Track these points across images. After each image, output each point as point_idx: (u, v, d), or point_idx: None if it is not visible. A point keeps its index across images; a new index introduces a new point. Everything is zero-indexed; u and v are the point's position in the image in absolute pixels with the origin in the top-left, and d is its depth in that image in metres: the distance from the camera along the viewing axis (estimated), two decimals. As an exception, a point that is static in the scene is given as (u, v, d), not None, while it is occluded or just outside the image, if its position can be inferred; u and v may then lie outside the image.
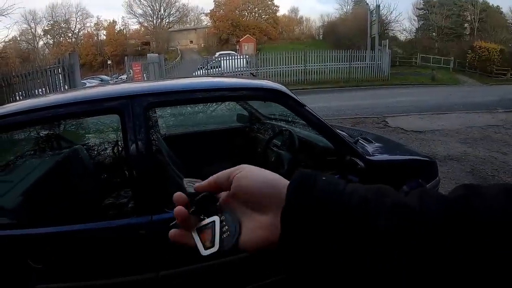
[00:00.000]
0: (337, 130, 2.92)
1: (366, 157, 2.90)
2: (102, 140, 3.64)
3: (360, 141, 3.27)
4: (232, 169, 0.62)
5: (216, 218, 0.61)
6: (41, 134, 3.16)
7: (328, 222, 0.51)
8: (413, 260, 0.46)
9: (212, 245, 0.59)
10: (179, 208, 0.60)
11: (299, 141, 3.14)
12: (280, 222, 0.54)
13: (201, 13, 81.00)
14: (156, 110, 3.43)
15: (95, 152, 3.54)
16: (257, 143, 4.06)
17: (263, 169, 0.62)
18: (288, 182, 0.57)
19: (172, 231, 0.62)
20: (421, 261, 0.45)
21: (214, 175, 0.62)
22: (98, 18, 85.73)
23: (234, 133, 4.44)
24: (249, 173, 0.60)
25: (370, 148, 3.30)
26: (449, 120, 10.65)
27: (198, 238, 0.60)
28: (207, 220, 0.61)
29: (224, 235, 0.59)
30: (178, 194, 0.62)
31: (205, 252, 0.59)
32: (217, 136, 4.42)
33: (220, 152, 3.97)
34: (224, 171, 0.62)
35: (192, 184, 0.65)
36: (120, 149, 3.17)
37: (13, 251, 2.24)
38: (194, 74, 24.08)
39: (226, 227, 0.60)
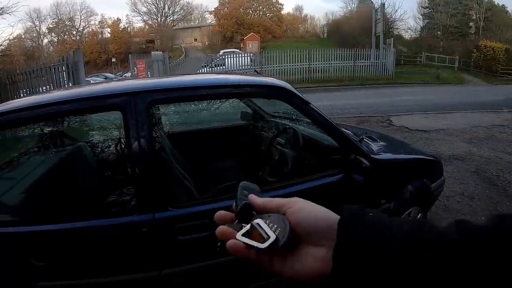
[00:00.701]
0: (342, 129, 2.90)
1: (371, 156, 2.88)
2: (105, 137, 3.62)
3: (365, 139, 3.25)
4: (283, 201, 0.65)
5: (258, 221, 0.63)
6: (44, 131, 3.15)
7: (376, 257, 0.54)
8: None
9: (268, 238, 0.60)
10: (221, 228, 0.67)
11: (303, 139, 3.12)
12: (332, 257, 0.57)
13: (205, 11, 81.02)
14: (160, 107, 3.42)
15: (98, 149, 3.53)
16: (261, 141, 4.05)
17: (314, 204, 0.66)
18: (339, 217, 0.61)
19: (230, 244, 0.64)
20: None
21: (262, 202, 0.66)
22: (102, 16, 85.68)
23: (238, 131, 4.43)
24: (303, 208, 0.63)
25: (375, 146, 3.29)
26: (454, 120, 10.62)
27: (248, 239, 0.62)
28: (248, 226, 0.64)
29: (276, 232, 0.61)
30: (220, 214, 0.70)
31: (264, 245, 0.60)
32: (221, 134, 4.41)
33: (223, 150, 3.96)
34: (273, 200, 0.66)
35: (246, 193, 0.69)
36: (123, 146, 3.16)
37: (16, 248, 2.24)
38: (198, 72, 24.08)
39: (275, 226, 0.62)
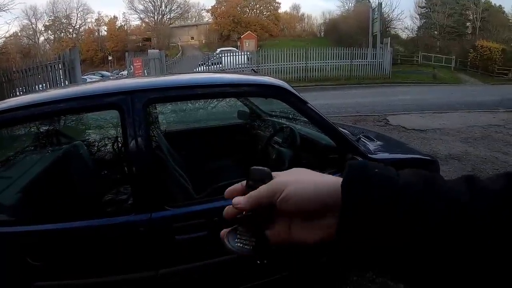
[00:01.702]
0: (339, 128, 2.90)
1: (368, 155, 2.88)
2: (101, 136, 3.62)
3: (362, 139, 3.25)
4: (270, 188, 0.61)
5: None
6: (41, 130, 3.14)
7: (383, 222, 0.52)
8: (464, 255, 0.47)
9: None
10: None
11: (301, 139, 3.12)
12: (337, 224, 0.55)
13: (202, 9, 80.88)
14: (156, 106, 3.41)
15: (95, 148, 3.52)
16: (258, 140, 4.05)
17: (307, 175, 0.63)
18: (338, 181, 0.57)
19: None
20: (471, 256, 0.47)
21: (253, 197, 0.62)
22: (99, 14, 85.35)
23: (235, 130, 4.43)
24: (294, 192, 0.59)
25: (371, 146, 3.29)
26: (450, 119, 10.64)
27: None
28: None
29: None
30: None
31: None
32: (218, 133, 4.40)
33: (220, 149, 3.95)
34: (259, 193, 0.61)
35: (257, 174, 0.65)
36: (120, 145, 3.15)
37: (12, 248, 2.23)
38: (195, 70, 24.06)
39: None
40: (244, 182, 0.66)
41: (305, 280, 2.88)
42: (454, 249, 0.47)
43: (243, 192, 0.64)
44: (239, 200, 0.62)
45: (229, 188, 0.67)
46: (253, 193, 0.62)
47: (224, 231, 0.65)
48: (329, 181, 0.59)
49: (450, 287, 0.49)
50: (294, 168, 0.66)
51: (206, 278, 2.49)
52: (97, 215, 2.43)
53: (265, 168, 0.64)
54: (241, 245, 0.62)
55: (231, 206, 0.64)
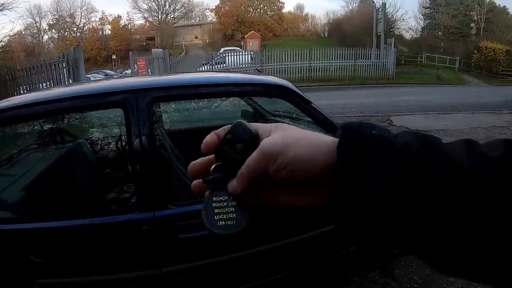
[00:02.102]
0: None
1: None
2: (105, 135, 3.63)
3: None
4: (264, 156, 0.53)
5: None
6: (45, 128, 3.15)
7: (381, 191, 0.47)
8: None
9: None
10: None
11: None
12: (334, 199, 0.50)
13: (206, 9, 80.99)
14: (160, 105, 3.42)
15: (99, 147, 3.53)
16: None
17: (294, 132, 0.55)
18: (331, 140, 0.53)
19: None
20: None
21: (244, 174, 0.54)
22: (103, 13, 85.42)
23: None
24: (294, 157, 0.52)
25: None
26: (454, 120, 10.61)
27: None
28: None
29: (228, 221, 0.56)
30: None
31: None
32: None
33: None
34: (251, 163, 0.54)
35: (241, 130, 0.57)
36: (124, 143, 3.16)
37: (16, 245, 2.23)
38: (198, 69, 24.08)
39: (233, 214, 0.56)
40: (217, 134, 0.59)
41: (306, 280, 2.88)
42: (459, 217, 0.45)
43: (215, 146, 0.58)
44: (234, 185, 0.56)
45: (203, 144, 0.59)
46: (243, 169, 0.55)
47: (196, 185, 0.59)
48: (325, 143, 0.53)
49: (459, 256, 0.47)
50: (277, 124, 0.59)
51: (209, 276, 2.49)
52: (100, 213, 2.44)
53: (253, 130, 0.56)
54: (223, 222, 0.56)
55: (195, 161, 0.59)
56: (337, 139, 0.51)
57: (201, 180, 0.58)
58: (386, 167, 0.48)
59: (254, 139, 0.55)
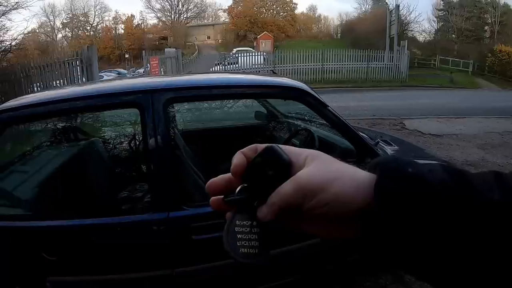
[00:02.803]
0: (359, 132, 2.88)
1: (386, 160, 2.85)
2: (120, 134, 3.64)
3: (380, 143, 3.22)
4: (301, 192, 0.51)
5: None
6: (60, 126, 3.17)
7: (418, 225, 0.47)
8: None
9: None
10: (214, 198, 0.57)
11: (318, 141, 3.10)
12: (365, 229, 0.50)
13: (219, 9, 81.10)
14: (175, 105, 3.42)
15: (113, 146, 3.55)
16: (275, 141, 4.03)
17: (332, 166, 0.54)
18: (368, 177, 0.51)
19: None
20: None
21: (276, 204, 0.52)
22: (116, 12, 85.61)
23: (252, 131, 4.41)
24: (334, 196, 0.50)
25: (389, 150, 3.26)
26: (467, 125, 10.51)
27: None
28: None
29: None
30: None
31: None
32: (234, 133, 4.40)
33: (236, 149, 3.94)
34: (285, 195, 0.52)
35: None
36: (138, 143, 3.17)
37: (28, 242, 2.25)
38: (211, 69, 24.13)
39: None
40: (245, 154, 0.57)
41: (316, 286, 2.87)
42: (487, 249, 0.45)
43: (243, 168, 0.56)
44: (264, 213, 0.54)
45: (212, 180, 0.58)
46: (275, 199, 0.53)
47: (215, 202, 0.58)
48: (363, 181, 0.51)
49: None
50: (312, 151, 0.57)
51: (221, 278, 2.49)
52: (114, 213, 2.45)
53: (286, 157, 0.54)
54: (246, 250, 0.54)
55: (215, 179, 0.58)
56: (373, 176, 0.51)
57: (221, 197, 0.57)
58: (424, 210, 0.47)
59: (287, 167, 0.54)
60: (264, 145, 0.56)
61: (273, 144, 0.55)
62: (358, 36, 51.54)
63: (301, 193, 0.51)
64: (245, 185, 0.56)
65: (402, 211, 0.48)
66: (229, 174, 0.57)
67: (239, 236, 0.55)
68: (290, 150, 0.56)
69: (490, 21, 57.81)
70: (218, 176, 0.58)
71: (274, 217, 0.53)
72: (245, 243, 0.54)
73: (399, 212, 0.48)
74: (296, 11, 77.55)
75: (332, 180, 0.51)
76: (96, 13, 75.08)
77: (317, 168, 0.53)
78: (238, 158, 0.57)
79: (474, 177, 0.50)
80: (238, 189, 0.56)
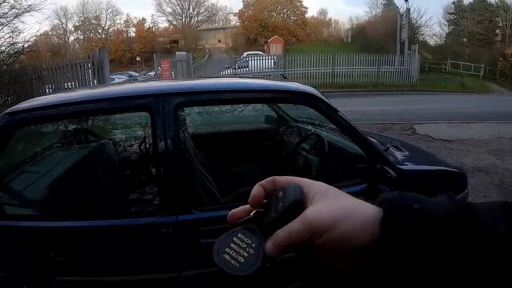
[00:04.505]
0: (369, 137, 2.87)
1: (397, 166, 2.84)
2: (130, 137, 3.66)
3: (390, 148, 3.21)
4: (310, 230, 0.53)
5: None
6: (72, 128, 3.20)
7: (423, 259, 0.49)
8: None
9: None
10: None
11: (329, 146, 3.09)
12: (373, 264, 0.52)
13: (229, 13, 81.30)
14: (185, 109, 3.44)
15: (123, 149, 3.57)
16: (285, 145, 4.03)
17: (341, 202, 0.55)
18: (375, 212, 0.53)
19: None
20: None
21: (284, 240, 0.54)
22: (128, 16, 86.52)
23: (262, 135, 4.42)
24: (342, 234, 0.52)
25: (400, 156, 3.25)
26: (479, 130, 10.42)
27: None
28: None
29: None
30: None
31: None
32: (244, 137, 4.40)
33: (246, 153, 3.95)
34: (294, 232, 0.53)
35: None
36: (149, 147, 3.18)
37: (38, 242, 2.27)
38: (221, 73, 24.18)
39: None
40: (263, 186, 0.59)
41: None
42: (492, 280, 0.47)
43: (262, 199, 0.59)
44: (269, 247, 0.54)
45: (233, 211, 0.60)
46: (282, 234, 0.54)
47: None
48: (370, 217, 0.53)
49: None
50: (320, 186, 0.58)
51: (228, 283, 2.48)
52: (123, 215, 2.47)
53: (298, 197, 0.55)
54: (228, 258, 0.55)
55: (236, 209, 0.60)
56: (380, 211, 0.52)
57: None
58: (429, 244, 0.49)
59: (299, 208, 0.55)
60: (282, 180, 0.60)
61: (291, 185, 0.57)
62: (368, 40, 51.37)
63: (309, 232, 0.53)
64: (259, 210, 0.59)
65: (407, 248, 0.49)
66: (248, 205, 0.60)
67: (232, 245, 0.56)
68: (303, 183, 0.58)
69: (501, 25, 57.36)
70: (239, 207, 0.61)
71: (279, 253, 0.54)
72: (232, 253, 0.55)
73: (404, 249, 0.49)
74: (307, 15, 77.58)
75: (340, 219, 0.53)
76: (108, 16, 75.73)
77: (326, 206, 0.54)
78: (256, 190, 0.59)
79: (481, 209, 0.52)
80: (252, 213, 0.59)
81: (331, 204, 0.55)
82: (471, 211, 0.51)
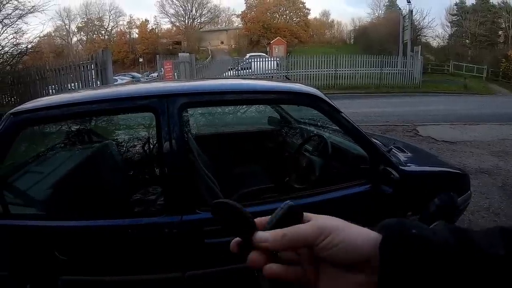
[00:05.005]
0: (372, 139, 2.88)
1: (400, 167, 2.85)
2: (134, 138, 3.67)
3: (393, 149, 3.22)
4: (316, 230, 0.55)
5: None
6: (76, 129, 3.21)
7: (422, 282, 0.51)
8: None
9: None
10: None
11: (332, 148, 3.10)
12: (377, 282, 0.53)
13: (232, 15, 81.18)
14: (189, 110, 3.44)
15: (128, 149, 3.58)
16: (288, 146, 4.04)
17: (352, 227, 0.57)
18: (375, 234, 0.55)
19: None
20: None
21: (289, 235, 0.55)
22: (130, 17, 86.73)
23: (265, 136, 4.42)
24: (342, 240, 0.55)
25: (402, 157, 3.25)
26: (481, 131, 10.38)
27: None
28: None
29: None
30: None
31: None
32: (247, 138, 4.41)
33: (249, 154, 3.95)
34: (300, 230, 0.56)
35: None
36: (153, 147, 3.19)
37: (42, 241, 2.29)
38: (224, 74, 24.17)
39: None
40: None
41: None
42: None
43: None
44: (265, 236, 0.56)
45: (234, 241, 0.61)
46: (288, 230, 0.55)
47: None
48: (370, 236, 0.55)
49: None
50: (325, 216, 0.60)
51: (232, 282, 2.50)
52: (128, 215, 2.48)
53: (290, 204, 0.58)
54: None
55: (256, 253, 0.58)
56: (379, 235, 0.55)
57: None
58: (426, 270, 0.50)
59: (287, 214, 0.58)
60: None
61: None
62: (371, 41, 51.25)
63: (316, 230, 0.55)
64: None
65: (404, 271, 0.51)
66: None
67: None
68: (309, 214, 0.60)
69: (504, 26, 57.27)
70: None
71: (280, 247, 0.56)
72: None
73: (402, 272, 0.51)
74: (309, 17, 77.38)
75: (344, 227, 0.56)
76: (111, 18, 75.74)
77: (328, 218, 0.58)
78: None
79: (478, 234, 0.54)
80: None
81: (333, 219, 0.58)
82: (467, 236, 0.53)
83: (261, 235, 0.57)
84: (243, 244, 0.59)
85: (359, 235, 0.56)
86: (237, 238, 0.60)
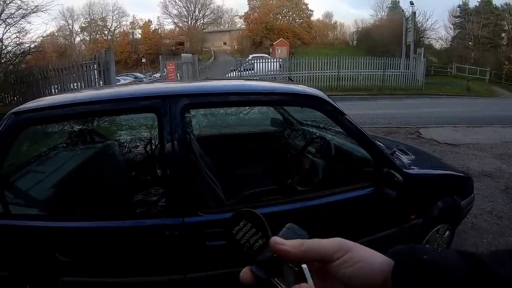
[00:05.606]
0: (376, 141, 2.86)
1: (404, 170, 2.83)
2: (136, 139, 3.66)
3: (396, 152, 3.20)
4: (336, 245, 0.56)
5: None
6: (79, 129, 3.20)
7: None
8: None
9: None
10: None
11: (335, 150, 3.08)
12: None
13: (235, 16, 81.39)
14: (191, 111, 3.44)
15: (129, 150, 3.57)
16: (291, 148, 4.02)
17: (368, 250, 0.58)
18: (387, 260, 0.56)
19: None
20: None
21: (309, 245, 0.56)
22: (134, 17, 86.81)
23: (268, 137, 4.41)
24: (360, 259, 0.55)
25: (406, 160, 3.24)
26: (484, 134, 10.36)
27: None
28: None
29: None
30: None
31: None
32: (250, 139, 4.39)
33: (252, 155, 3.94)
34: (322, 243, 0.56)
35: (291, 232, 0.60)
36: (155, 148, 3.18)
37: (43, 242, 2.28)
38: (227, 75, 24.17)
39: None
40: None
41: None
42: None
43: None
44: (286, 241, 0.56)
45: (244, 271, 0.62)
46: (307, 241, 0.56)
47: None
48: (385, 260, 0.56)
49: None
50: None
51: (234, 285, 2.48)
52: (129, 217, 2.47)
53: (303, 231, 0.60)
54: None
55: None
56: (391, 260, 0.56)
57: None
58: None
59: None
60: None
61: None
62: (374, 43, 51.31)
63: (336, 246, 0.56)
64: None
65: None
66: None
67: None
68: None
69: (507, 28, 57.22)
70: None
71: (301, 254, 0.56)
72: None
73: None
74: (312, 18, 77.70)
75: (361, 247, 0.57)
76: (114, 18, 76.06)
77: (345, 239, 0.58)
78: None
79: (488, 257, 0.54)
80: None
81: (350, 242, 0.59)
82: (477, 259, 0.54)
83: (280, 238, 0.57)
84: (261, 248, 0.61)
85: (378, 257, 0.56)
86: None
